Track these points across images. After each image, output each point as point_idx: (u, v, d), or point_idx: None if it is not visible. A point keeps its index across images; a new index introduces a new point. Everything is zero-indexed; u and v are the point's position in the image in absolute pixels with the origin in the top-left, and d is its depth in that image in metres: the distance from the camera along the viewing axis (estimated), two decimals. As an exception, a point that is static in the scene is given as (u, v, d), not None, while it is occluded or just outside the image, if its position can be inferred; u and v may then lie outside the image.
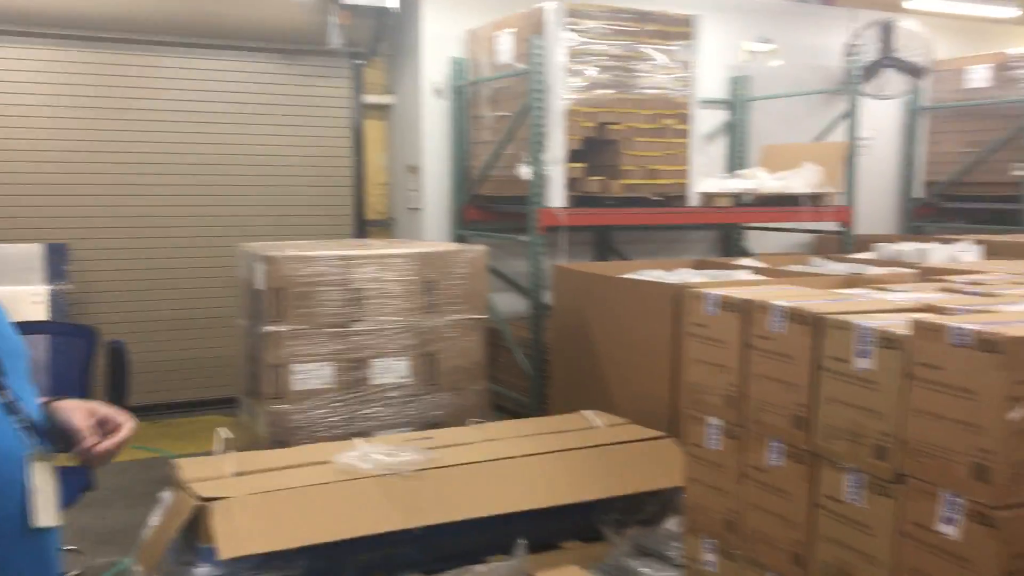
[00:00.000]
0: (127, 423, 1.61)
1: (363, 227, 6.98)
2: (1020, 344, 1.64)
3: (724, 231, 7.56)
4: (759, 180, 6.48)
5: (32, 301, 5.66)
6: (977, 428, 1.68)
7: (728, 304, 2.26)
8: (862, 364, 1.91)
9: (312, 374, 4.64)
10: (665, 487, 3.72)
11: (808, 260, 5.93)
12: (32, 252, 5.93)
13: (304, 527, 3.25)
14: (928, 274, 3.26)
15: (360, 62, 6.81)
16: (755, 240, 7.59)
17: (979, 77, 7.52)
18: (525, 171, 5.57)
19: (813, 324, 2.02)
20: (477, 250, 5.15)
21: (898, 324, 1.87)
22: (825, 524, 2.03)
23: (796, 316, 2.06)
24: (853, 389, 1.94)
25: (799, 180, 6.44)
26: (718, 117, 7.46)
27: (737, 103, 7.43)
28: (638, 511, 3.80)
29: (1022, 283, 2.65)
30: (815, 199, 6.35)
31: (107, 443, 1.56)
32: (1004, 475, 1.66)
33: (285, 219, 6.73)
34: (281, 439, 4.50)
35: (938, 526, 1.76)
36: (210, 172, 6.50)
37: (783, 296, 2.20)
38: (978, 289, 2.41)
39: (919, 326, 1.80)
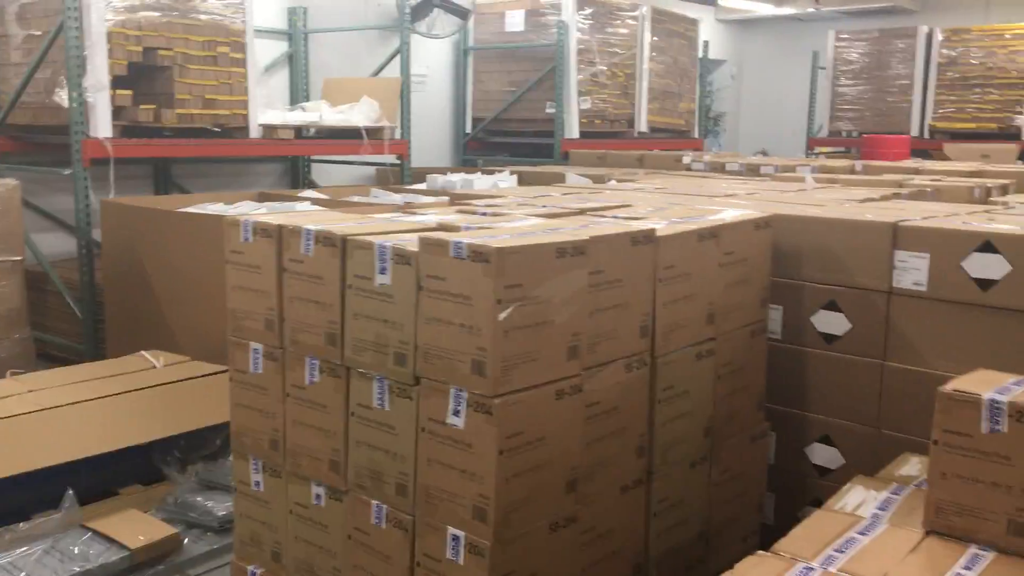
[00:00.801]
0: None
1: None
2: (504, 254, 1.89)
3: (292, 164, 7.57)
4: (321, 113, 6.57)
5: None
6: (474, 329, 1.93)
7: (261, 230, 2.31)
8: (381, 280, 2.08)
9: None
10: (228, 421, 3.73)
11: (369, 191, 6.18)
12: None
13: None
14: (458, 200, 3.59)
15: None
16: (322, 173, 7.72)
17: (515, 21, 8.26)
18: (63, 97, 5.10)
19: (339, 245, 2.15)
20: (9, 184, 4.64)
21: (412, 242, 2.05)
22: (357, 430, 2.20)
23: (323, 238, 2.18)
24: (375, 304, 2.11)
25: (359, 114, 6.63)
26: (279, 48, 7.40)
27: (296, 35, 7.42)
28: (201, 448, 3.77)
29: (529, 205, 3.03)
30: (373, 132, 6.59)
31: None
32: (496, 368, 1.92)
33: None
34: None
35: (449, 419, 2.00)
36: None
37: (314, 220, 2.30)
38: (490, 211, 2.71)
39: (425, 242, 2.00)
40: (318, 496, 2.29)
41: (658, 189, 4.31)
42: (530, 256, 1.97)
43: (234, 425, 2.51)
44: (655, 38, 8.71)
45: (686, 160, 7.14)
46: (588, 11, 8.07)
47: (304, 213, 3.02)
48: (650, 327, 2.40)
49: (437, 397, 2.01)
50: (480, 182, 6.27)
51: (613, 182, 5.26)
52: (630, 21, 8.49)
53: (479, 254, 1.89)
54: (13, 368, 4.39)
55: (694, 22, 9.54)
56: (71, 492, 3.22)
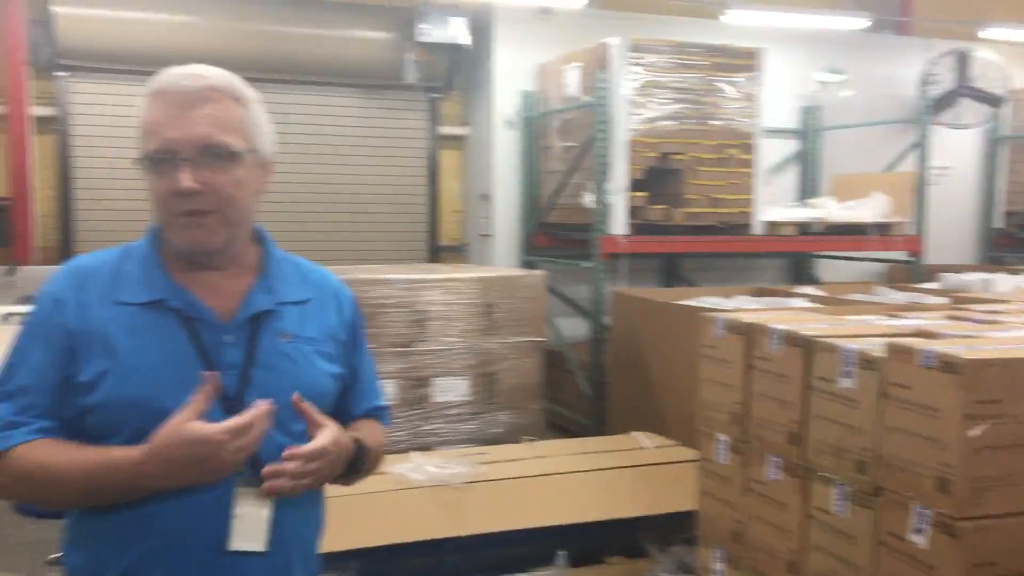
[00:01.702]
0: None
1: (437, 252, 7.26)
2: (978, 366, 1.75)
3: (794, 260, 7.59)
4: (826, 209, 6.52)
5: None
6: (940, 444, 1.80)
7: (732, 326, 2.41)
8: (845, 384, 2.04)
9: (377, 391, 4.90)
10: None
11: (872, 289, 5.94)
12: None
13: (357, 532, 3.48)
14: (959, 303, 3.32)
15: (436, 95, 7.14)
16: (829, 269, 7.60)
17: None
18: (589, 199, 5.77)
19: (804, 346, 2.16)
20: (537, 275, 5.36)
21: (880, 347, 1.99)
22: (816, 534, 2.15)
23: (790, 338, 2.20)
24: (838, 407, 2.07)
25: (867, 209, 6.46)
26: (789, 146, 7.52)
27: (808, 133, 7.48)
28: (681, 530, 3.91)
29: (1039, 312, 2.71)
30: (883, 228, 6.35)
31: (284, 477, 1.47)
32: (964, 488, 1.77)
33: (363, 244, 7.06)
34: (346, 451, 4.77)
35: (909, 535, 1.88)
36: (293, 200, 6.89)
37: (784, 320, 2.34)
38: (986, 318, 2.49)
39: (892, 348, 1.92)
40: (773, 595, 2.29)
41: None
42: (1010, 370, 1.79)
43: (701, 512, 2.61)
44: None
45: None
46: None
47: (779, 311, 3.06)
48: None
49: (898, 511, 1.91)
50: (1003, 283, 5.67)
51: None
52: None
53: (948, 364, 1.78)
54: (528, 435, 5.01)
55: None
56: (563, 553, 3.57)
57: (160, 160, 1.47)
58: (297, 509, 1.57)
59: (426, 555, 3.66)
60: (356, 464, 1.59)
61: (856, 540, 2.03)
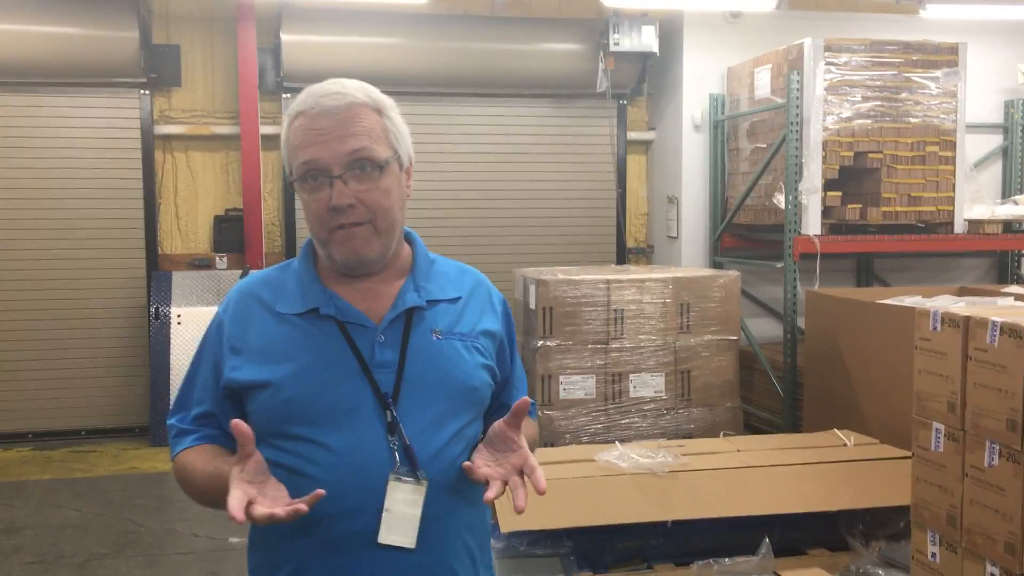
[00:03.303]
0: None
1: (624, 254, 7.48)
2: None
3: (999, 258, 7.31)
4: (1033, 206, 6.29)
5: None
6: None
7: (950, 320, 2.50)
8: (1067, 373, 2.11)
9: (577, 385, 5.18)
10: (909, 504, 3.85)
11: (1087, 288, 5.69)
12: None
13: (570, 513, 3.74)
14: None
15: (624, 102, 7.36)
16: (1035, 269, 7.28)
17: None
18: (781, 200, 5.82)
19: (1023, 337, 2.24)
20: (730, 275, 5.48)
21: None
22: (1036, 518, 2.23)
23: (1009, 330, 2.28)
24: (1060, 395, 2.15)
25: (1079, 205, 6.18)
26: (993, 142, 7.27)
27: (1012, 127, 7.20)
28: (884, 526, 3.95)
29: None
30: (1099, 225, 6.06)
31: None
32: None
33: (555, 246, 7.37)
34: (549, 441, 5.07)
35: None
36: (491, 204, 7.28)
37: (1004, 313, 2.41)
38: None
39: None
40: (992, 575, 2.36)
41: None
42: None
43: (915, 497, 2.70)
44: None
45: None
46: None
47: (999, 307, 3.09)
48: None
49: None
50: None
51: None
52: None
53: None
54: (725, 431, 5.14)
55: None
56: (767, 541, 3.70)
57: (311, 179, 1.53)
58: (453, 509, 1.57)
59: (632, 538, 3.88)
60: None
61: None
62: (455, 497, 1.56)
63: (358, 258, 1.56)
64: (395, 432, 1.51)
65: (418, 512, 1.50)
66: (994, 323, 2.33)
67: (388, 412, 1.52)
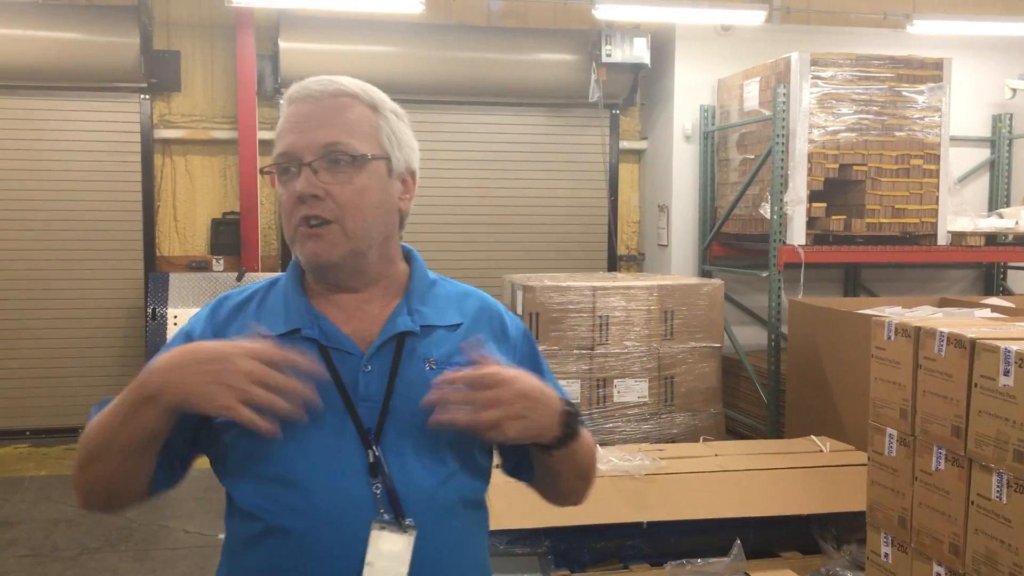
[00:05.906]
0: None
1: (615, 262, 7.58)
2: None
3: (985, 270, 7.41)
4: (1017, 219, 6.38)
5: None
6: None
7: (902, 330, 2.61)
8: (1005, 381, 2.22)
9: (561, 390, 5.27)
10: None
11: (1067, 301, 5.79)
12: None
13: (548, 512, 3.83)
14: None
15: (617, 111, 7.48)
16: (1020, 281, 7.38)
17: None
18: (767, 210, 5.93)
19: (968, 347, 2.35)
20: (714, 284, 5.59)
21: (1037, 347, 2.17)
22: (976, 518, 2.33)
23: (955, 340, 2.39)
24: (998, 403, 2.25)
25: (1063, 219, 6.28)
26: (979, 155, 7.37)
27: (999, 141, 7.31)
28: (855, 530, 4.04)
29: None
30: (1080, 239, 6.16)
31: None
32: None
33: (547, 253, 7.47)
34: (534, 444, 5.17)
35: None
36: (484, 211, 7.39)
37: (950, 324, 2.52)
38: None
39: (1050, 348, 2.10)
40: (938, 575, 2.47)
41: None
42: None
43: (869, 500, 2.81)
44: None
45: None
46: None
47: (949, 318, 3.20)
48: None
49: (1057, 498, 2.08)
50: None
51: None
52: None
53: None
54: (707, 436, 5.24)
55: None
56: (739, 543, 3.81)
57: (285, 168, 1.40)
58: (447, 566, 1.37)
59: (609, 539, 3.98)
60: (570, 422, 1.39)
61: (1012, 523, 2.21)
62: (450, 551, 1.38)
63: (319, 260, 1.38)
64: (378, 473, 1.33)
65: (404, 569, 1.31)
66: (941, 333, 2.44)
67: (370, 451, 1.34)
